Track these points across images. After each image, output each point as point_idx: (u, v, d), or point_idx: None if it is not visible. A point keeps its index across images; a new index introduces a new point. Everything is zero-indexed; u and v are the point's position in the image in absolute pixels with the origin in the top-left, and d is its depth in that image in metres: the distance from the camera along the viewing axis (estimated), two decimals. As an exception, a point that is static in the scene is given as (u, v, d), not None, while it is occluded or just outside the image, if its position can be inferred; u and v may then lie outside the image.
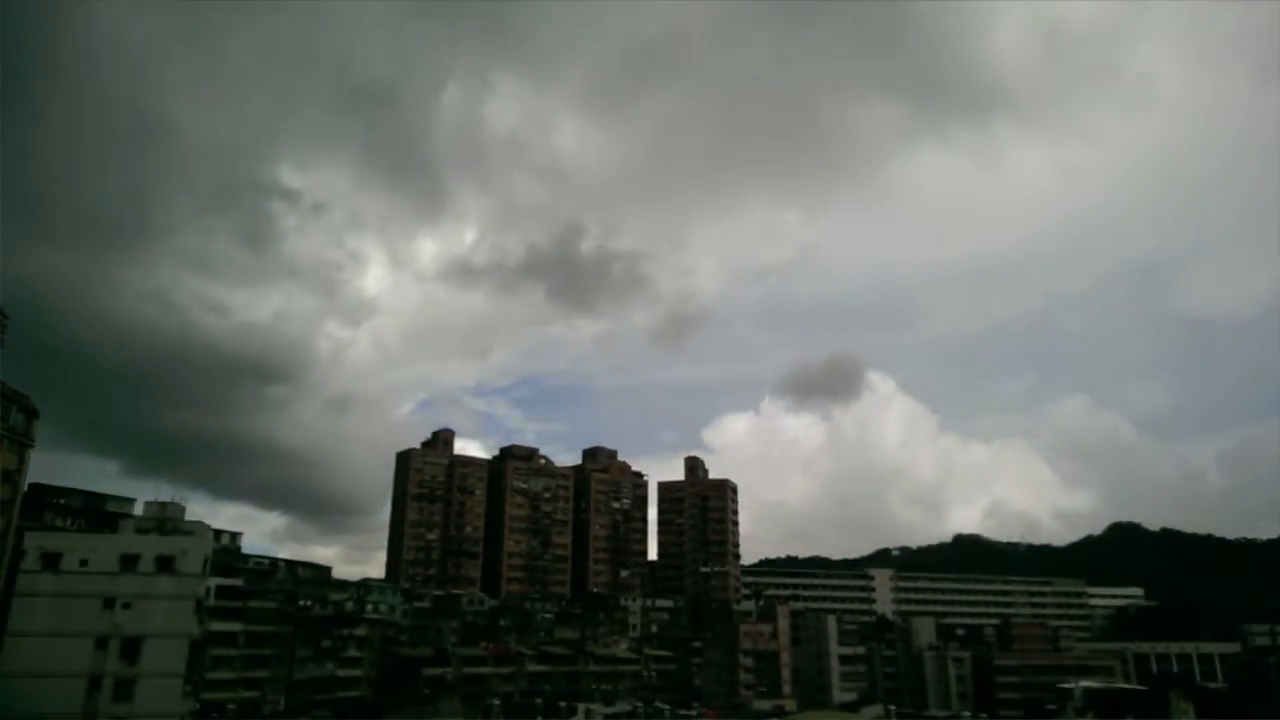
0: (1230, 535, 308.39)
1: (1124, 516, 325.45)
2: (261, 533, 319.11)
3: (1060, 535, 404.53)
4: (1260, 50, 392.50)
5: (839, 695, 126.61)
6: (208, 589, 74.68)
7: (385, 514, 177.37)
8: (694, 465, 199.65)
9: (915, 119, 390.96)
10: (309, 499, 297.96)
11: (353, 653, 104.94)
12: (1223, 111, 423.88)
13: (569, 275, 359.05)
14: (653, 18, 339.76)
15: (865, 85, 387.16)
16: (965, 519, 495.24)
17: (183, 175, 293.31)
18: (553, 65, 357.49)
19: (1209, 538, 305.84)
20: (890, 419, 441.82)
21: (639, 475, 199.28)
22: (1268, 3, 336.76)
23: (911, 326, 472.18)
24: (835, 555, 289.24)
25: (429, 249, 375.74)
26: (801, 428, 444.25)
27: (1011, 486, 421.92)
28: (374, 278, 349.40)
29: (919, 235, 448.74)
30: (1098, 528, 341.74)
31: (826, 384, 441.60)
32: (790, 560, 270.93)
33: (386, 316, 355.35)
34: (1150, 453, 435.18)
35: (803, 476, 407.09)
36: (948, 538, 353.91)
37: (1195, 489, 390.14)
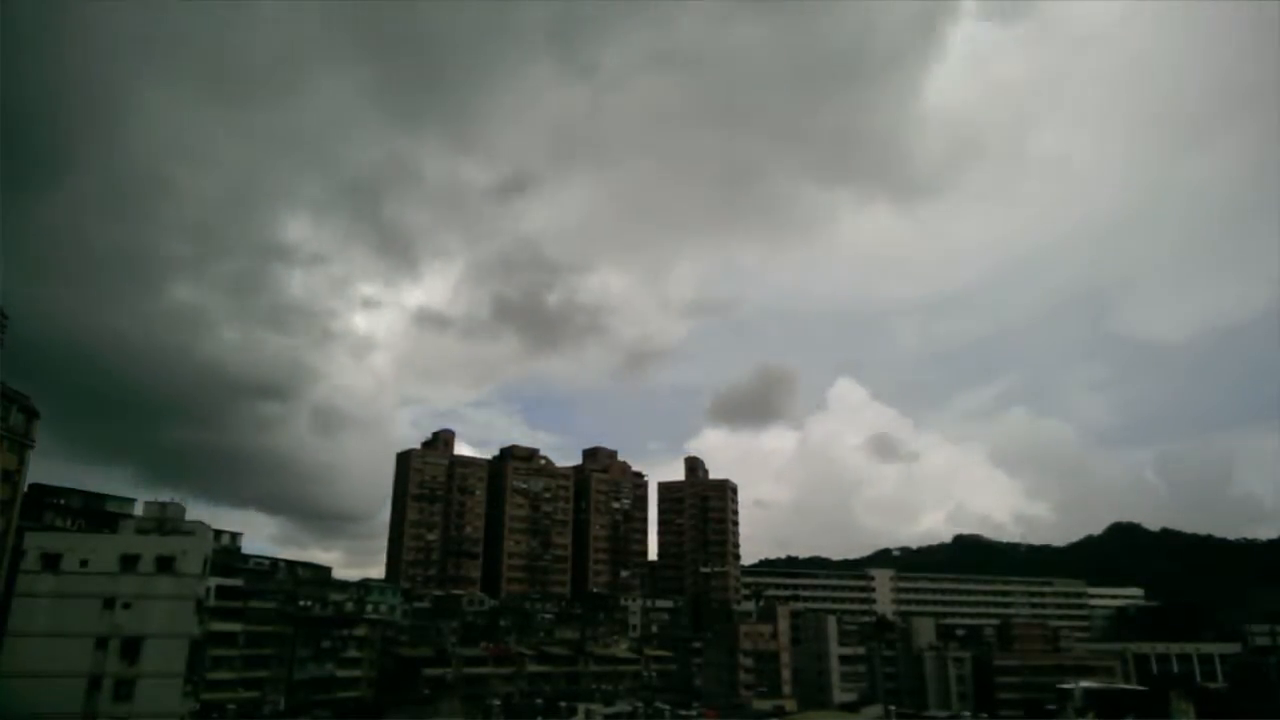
0: (1230, 535, 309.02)
1: (1078, 518, 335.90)
2: (262, 537, 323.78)
3: (1053, 536, 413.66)
4: (1167, 115, 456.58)
5: (839, 695, 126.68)
6: (208, 589, 74.73)
7: (385, 520, 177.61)
8: (694, 465, 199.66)
9: (861, 192, 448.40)
10: (309, 509, 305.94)
11: (353, 653, 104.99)
12: (1136, 167, 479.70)
13: (549, 319, 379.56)
14: (600, 103, 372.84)
15: (813, 164, 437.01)
16: (935, 522, 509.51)
17: (192, 225, 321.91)
18: (522, 142, 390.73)
19: (1209, 538, 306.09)
20: (863, 430, 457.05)
21: (639, 475, 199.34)
22: (1163, 84, 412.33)
23: (876, 348, 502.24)
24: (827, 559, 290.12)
25: (418, 297, 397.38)
26: (775, 439, 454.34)
27: (979, 491, 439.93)
28: (366, 320, 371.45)
29: (872, 278, 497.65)
30: (1085, 530, 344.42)
31: (800, 398, 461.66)
32: (790, 560, 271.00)
33: (381, 352, 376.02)
34: (1099, 460, 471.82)
35: (779, 485, 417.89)
36: (946, 538, 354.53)
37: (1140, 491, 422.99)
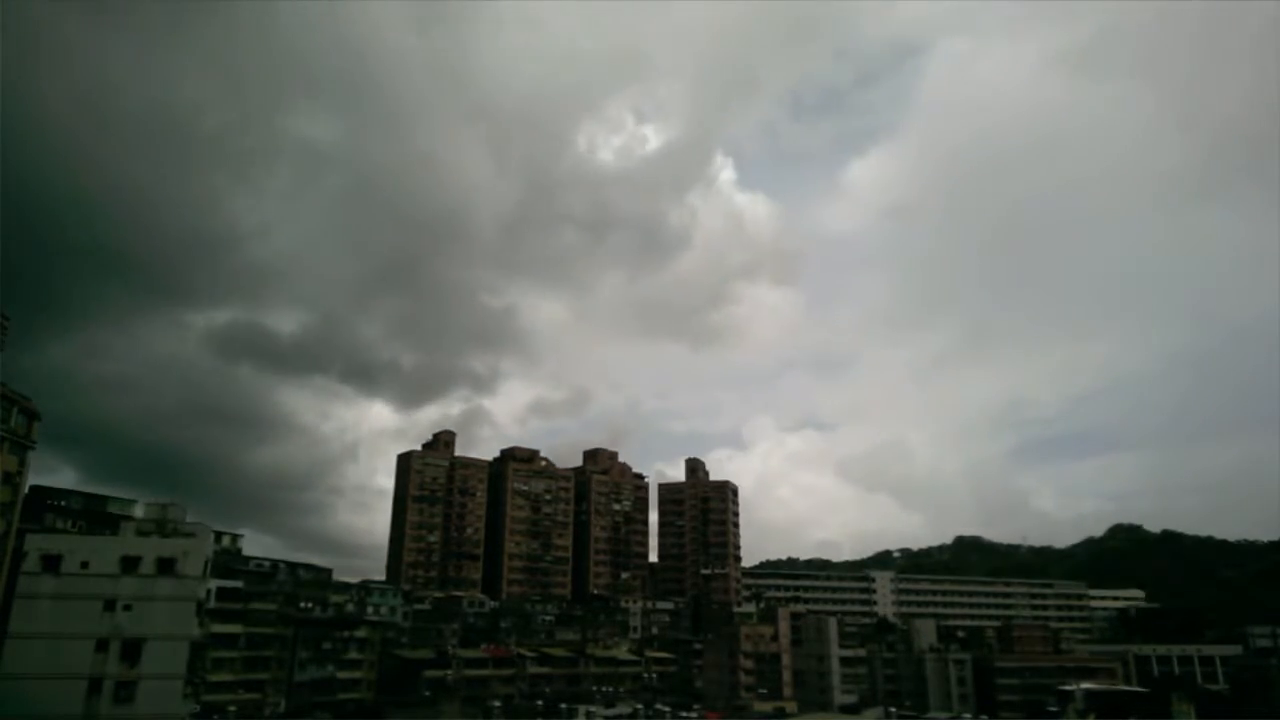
0: (1231, 536, 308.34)
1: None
2: (262, 545, 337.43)
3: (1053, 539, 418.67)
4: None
5: (840, 697, 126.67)
6: (208, 591, 74.74)
7: (385, 526, 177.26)
8: (694, 467, 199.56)
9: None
10: (310, 535, 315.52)
11: (353, 655, 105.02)
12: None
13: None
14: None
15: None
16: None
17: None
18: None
19: (1209, 539, 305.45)
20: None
21: (640, 477, 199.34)
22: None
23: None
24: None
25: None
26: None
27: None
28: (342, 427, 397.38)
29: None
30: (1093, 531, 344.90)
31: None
32: (791, 562, 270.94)
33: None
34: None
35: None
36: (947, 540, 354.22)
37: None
